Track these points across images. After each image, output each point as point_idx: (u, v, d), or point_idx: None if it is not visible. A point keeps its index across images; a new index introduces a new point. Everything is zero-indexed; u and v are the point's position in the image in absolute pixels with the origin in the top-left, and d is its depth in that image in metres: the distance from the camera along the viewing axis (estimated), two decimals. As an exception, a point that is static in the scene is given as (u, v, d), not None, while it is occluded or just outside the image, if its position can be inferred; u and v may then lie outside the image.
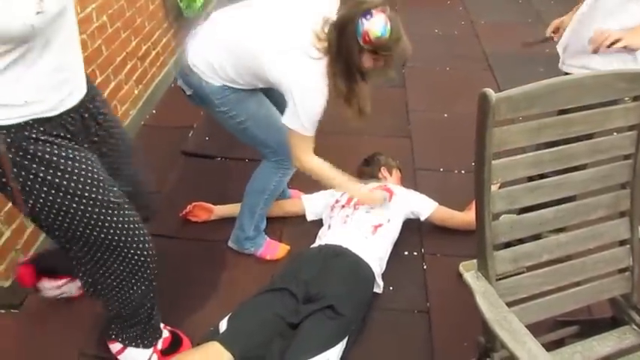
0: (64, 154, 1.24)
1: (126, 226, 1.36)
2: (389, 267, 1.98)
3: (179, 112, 2.79)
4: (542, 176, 1.20)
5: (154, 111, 3.10)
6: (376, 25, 1.52)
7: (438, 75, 3.51)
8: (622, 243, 1.34)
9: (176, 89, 2.05)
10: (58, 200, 1.24)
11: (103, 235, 1.33)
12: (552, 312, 1.30)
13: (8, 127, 1.14)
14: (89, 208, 1.28)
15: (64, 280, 1.77)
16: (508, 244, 1.24)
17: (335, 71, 1.63)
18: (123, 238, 1.36)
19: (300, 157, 1.76)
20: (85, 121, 1.33)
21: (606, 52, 1.55)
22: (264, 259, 2.10)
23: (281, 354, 1.55)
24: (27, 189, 1.21)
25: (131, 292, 1.48)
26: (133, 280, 1.45)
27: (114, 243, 1.35)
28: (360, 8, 1.53)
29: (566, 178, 1.22)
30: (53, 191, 1.23)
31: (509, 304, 1.18)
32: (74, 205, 1.26)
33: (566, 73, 1.69)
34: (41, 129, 1.19)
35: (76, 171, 1.25)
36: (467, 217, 2.13)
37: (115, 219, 1.33)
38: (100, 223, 1.31)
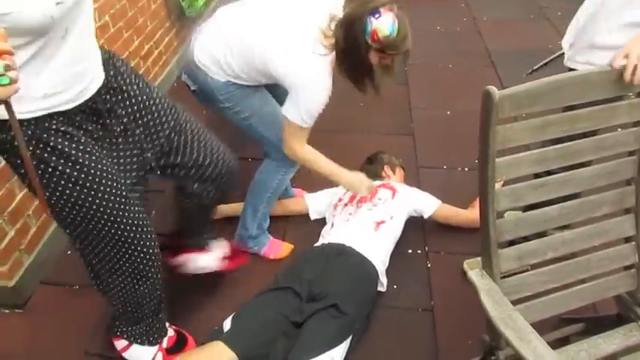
0: (81, 147, 1.24)
1: (135, 222, 1.37)
2: (393, 265, 1.97)
3: (181, 111, 2.78)
4: (548, 173, 1.20)
5: (156, 110, 3.09)
6: (385, 24, 1.52)
7: (441, 72, 3.50)
8: (627, 240, 1.33)
9: (179, 88, 2.04)
10: (75, 194, 1.25)
11: (113, 231, 1.34)
12: (557, 310, 1.29)
13: (29, 120, 1.14)
14: (103, 202, 1.29)
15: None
16: (512, 242, 1.23)
17: (341, 68, 1.64)
18: (132, 234, 1.37)
19: (293, 146, 1.77)
20: (108, 101, 1.30)
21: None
22: (267, 258, 2.10)
23: (285, 353, 1.55)
24: (44, 181, 1.22)
25: (136, 288, 1.48)
26: (138, 277, 1.46)
27: (122, 239, 1.36)
28: (368, 6, 1.53)
29: (571, 175, 1.21)
30: (70, 185, 1.24)
31: (514, 302, 1.17)
32: (89, 199, 1.27)
33: (571, 69, 1.68)
34: (61, 120, 1.19)
35: (92, 164, 1.26)
36: (471, 214, 2.13)
37: (125, 214, 1.34)
38: (112, 218, 1.32)
